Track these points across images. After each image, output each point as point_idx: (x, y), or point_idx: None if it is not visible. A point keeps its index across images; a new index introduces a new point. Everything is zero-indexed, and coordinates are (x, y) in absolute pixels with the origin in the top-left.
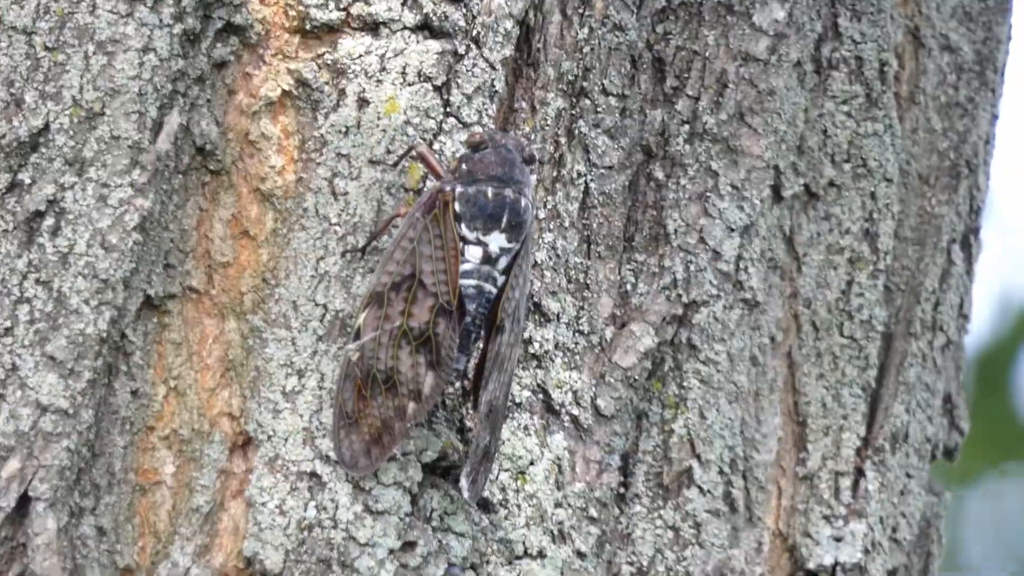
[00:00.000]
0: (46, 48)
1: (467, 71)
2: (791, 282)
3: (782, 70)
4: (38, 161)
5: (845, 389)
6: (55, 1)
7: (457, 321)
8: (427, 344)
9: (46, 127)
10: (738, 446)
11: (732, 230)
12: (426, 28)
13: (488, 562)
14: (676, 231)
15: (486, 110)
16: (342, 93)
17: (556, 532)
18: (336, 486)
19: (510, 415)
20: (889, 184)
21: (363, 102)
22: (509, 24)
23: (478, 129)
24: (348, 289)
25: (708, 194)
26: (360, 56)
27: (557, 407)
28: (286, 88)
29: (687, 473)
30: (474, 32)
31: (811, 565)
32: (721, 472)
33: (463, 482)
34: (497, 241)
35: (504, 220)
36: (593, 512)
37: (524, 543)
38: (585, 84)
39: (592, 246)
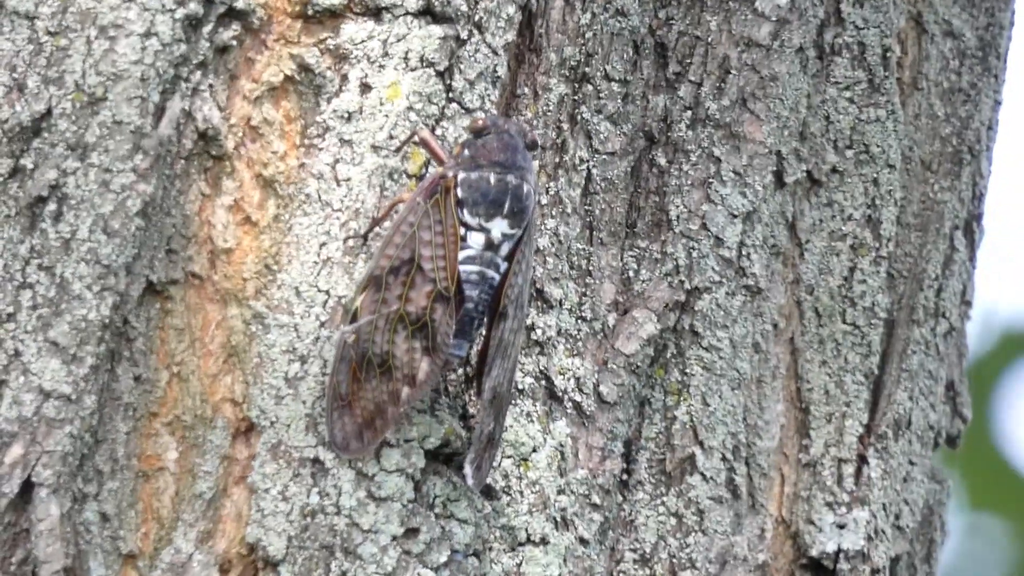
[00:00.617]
0: (48, 33)
1: (469, 56)
2: (793, 268)
3: (784, 56)
4: (40, 146)
5: (848, 376)
6: None
7: (455, 308)
8: (423, 329)
9: (48, 112)
10: (741, 433)
11: (734, 216)
12: (428, 13)
13: (491, 549)
14: (678, 217)
15: (488, 96)
16: (344, 78)
17: (559, 519)
18: (339, 472)
19: (513, 402)
20: (891, 170)
21: (365, 87)
22: (511, 9)
23: (480, 115)
24: (350, 275)
25: (710, 180)
26: (362, 41)
27: (560, 394)
28: (288, 73)
29: (690, 460)
30: (476, 17)
31: (814, 552)
32: (724, 459)
33: (467, 469)
34: (500, 227)
35: (507, 206)
36: (596, 499)
37: (527, 530)
38: (587, 70)
39: (594, 232)
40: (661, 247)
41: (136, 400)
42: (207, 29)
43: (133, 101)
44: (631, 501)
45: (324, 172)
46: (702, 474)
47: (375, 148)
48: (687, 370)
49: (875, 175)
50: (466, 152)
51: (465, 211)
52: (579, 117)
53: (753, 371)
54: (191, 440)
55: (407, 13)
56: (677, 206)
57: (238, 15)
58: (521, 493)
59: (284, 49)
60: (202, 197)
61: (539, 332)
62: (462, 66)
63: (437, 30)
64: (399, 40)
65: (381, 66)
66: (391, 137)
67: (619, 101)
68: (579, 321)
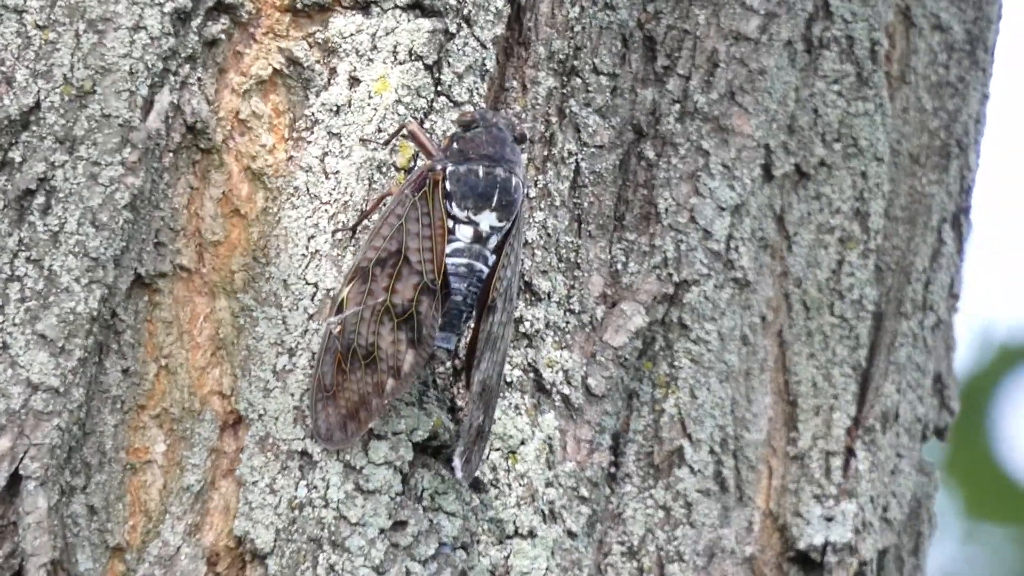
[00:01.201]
0: (37, 26)
1: (458, 50)
2: (781, 261)
3: (773, 49)
4: (29, 139)
5: (836, 369)
6: None
7: (441, 300)
8: (409, 321)
9: (37, 105)
10: (729, 426)
11: (723, 209)
12: (417, 7)
13: (479, 541)
14: (667, 210)
15: (477, 89)
16: (333, 72)
17: (547, 512)
18: (327, 465)
19: (501, 394)
20: (880, 163)
21: (354, 81)
22: (500, 3)
23: (469, 108)
24: (339, 268)
25: (699, 173)
26: (351, 35)
27: (548, 386)
28: (277, 67)
29: (678, 452)
30: (465, 11)
31: (801, 545)
32: (712, 452)
33: (456, 462)
34: (488, 220)
35: (495, 199)
36: (584, 492)
37: (515, 522)
38: (576, 63)
39: (583, 225)
40: (649, 240)
41: (124, 393)
42: (196, 23)
43: (122, 94)
44: (619, 494)
45: (313, 165)
46: (690, 467)
47: (364, 141)
48: (675, 363)
49: (863, 168)
50: (455, 145)
51: (453, 204)
52: (568, 110)
53: (741, 364)
54: (179, 433)
55: (396, 7)
56: (665, 199)
57: (227, 9)
58: (509, 486)
59: (273, 43)
60: (191, 190)
61: (527, 325)
62: (451, 59)
63: (426, 23)
64: (388, 34)
65: (370, 59)
66: (380, 130)
67: (607, 94)
68: (567, 314)
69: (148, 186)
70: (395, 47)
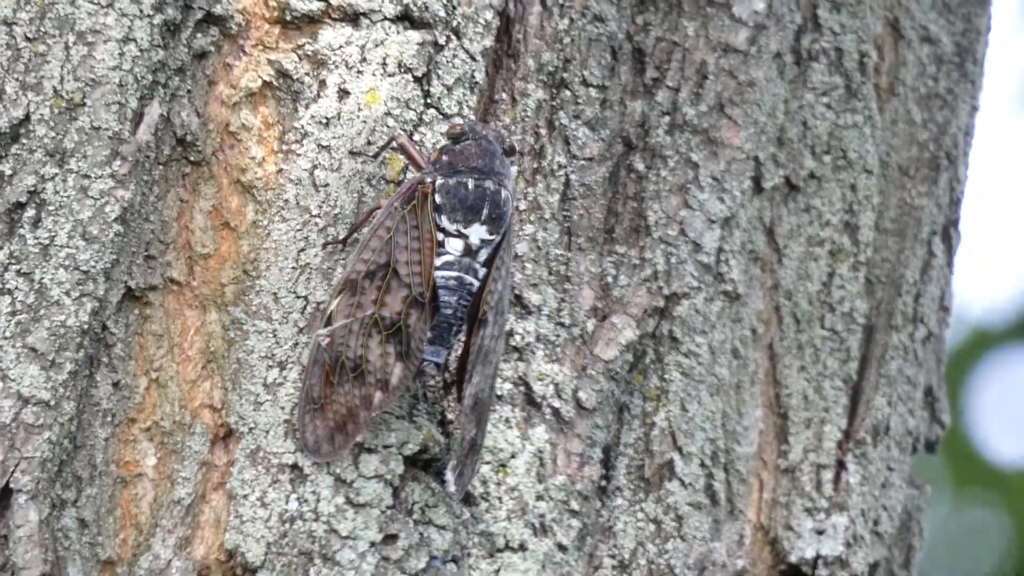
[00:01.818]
0: (27, 39)
1: (447, 62)
2: (772, 274)
3: (762, 61)
4: (19, 152)
5: (826, 381)
6: None
7: (430, 313)
8: (398, 335)
9: (27, 118)
10: (719, 439)
11: (713, 222)
12: (406, 19)
13: (469, 555)
14: (657, 223)
15: (466, 101)
16: (322, 84)
17: (537, 525)
18: (318, 478)
19: (492, 407)
20: (869, 176)
21: (343, 93)
22: (489, 15)
23: (458, 120)
24: (329, 281)
25: (688, 186)
26: (340, 47)
27: (538, 400)
28: (266, 79)
29: (668, 466)
30: (454, 23)
31: (793, 558)
32: (702, 465)
33: (449, 475)
34: (478, 233)
35: (484, 212)
36: (574, 505)
37: (505, 536)
38: (565, 75)
39: (573, 238)
40: (639, 253)
41: (115, 406)
42: (185, 35)
43: (111, 107)
44: (610, 507)
45: (302, 178)
46: (681, 480)
47: (353, 154)
48: (666, 376)
49: (853, 181)
50: (444, 158)
51: (443, 217)
52: (557, 123)
53: (732, 377)
54: (170, 446)
55: (385, 19)
56: (655, 212)
57: (216, 21)
58: (500, 499)
59: (262, 55)
60: (181, 203)
61: (518, 338)
62: (440, 72)
63: (415, 36)
64: (377, 46)
65: (359, 72)
66: (369, 143)
67: (597, 107)
68: (558, 327)
69: (138, 199)
70: (384, 59)
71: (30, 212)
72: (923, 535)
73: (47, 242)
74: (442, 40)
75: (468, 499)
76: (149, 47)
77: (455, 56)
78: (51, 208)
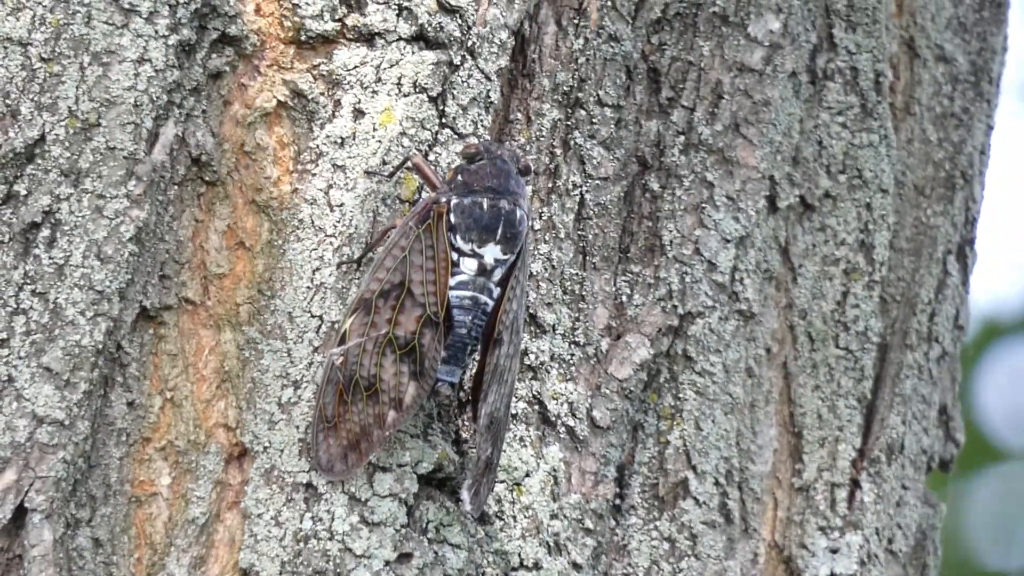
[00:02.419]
0: (42, 59)
1: (462, 82)
2: (786, 293)
3: (777, 81)
4: (34, 172)
5: (841, 400)
6: (51, 12)
7: (443, 333)
8: (412, 354)
9: (42, 138)
10: (734, 457)
11: (727, 241)
12: (421, 39)
13: (484, 574)
14: (671, 242)
15: (481, 121)
16: (337, 104)
17: (552, 544)
18: (332, 497)
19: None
20: (884, 195)
21: (359, 113)
22: (504, 35)
23: (473, 140)
24: (344, 300)
25: (703, 205)
26: (355, 67)
27: (553, 418)
28: (281, 99)
29: (683, 484)
30: (469, 43)
31: None
32: (717, 483)
33: (465, 495)
34: (492, 253)
35: (499, 231)
36: (589, 523)
37: (520, 555)
38: (580, 95)
39: (587, 257)
40: (654, 272)
41: (129, 425)
42: (200, 55)
43: (126, 127)
44: (624, 526)
45: (317, 197)
46: (695, 498)
47: (368, 173)
48: (680, 395)
49: (868, 200)
50: (459, 178)
51: (458, 236)
52: (572, 142)
53: (746, 396)
54: (184, 465)
55: (400, 39)
56: (670, 231)
57: (231, 41)
58: (514, 518)
59: (277, 75)
60: (196, 222)
61: (532, 357)
62: (455, 91)
63: (430, 56)
64: (392, 66)
65: (374, 92)
66: (384, 162)
67: (612, 126)
68: (572, 346)
69: (153, 219)
70: (399, 79)
71: (45, 232)
72: (938, 553)
73: (62, 262)
74: (457, 60)
75: (483, 518)
76: (164, 67)
77: (470, 76)
78: (66, 228)
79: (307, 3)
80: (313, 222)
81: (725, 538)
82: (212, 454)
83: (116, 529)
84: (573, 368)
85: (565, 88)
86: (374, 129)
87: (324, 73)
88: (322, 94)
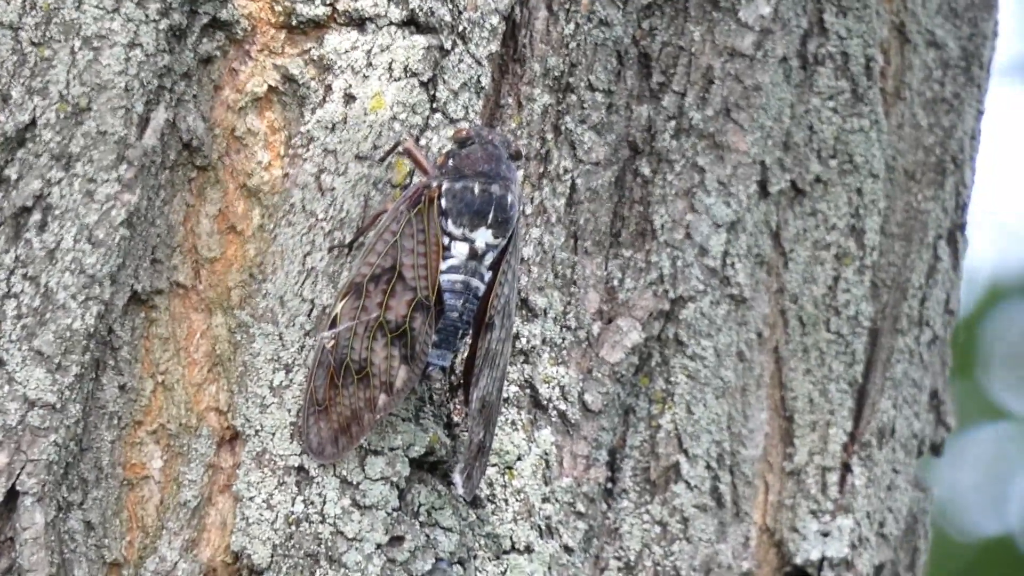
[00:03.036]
0: (32, 43)
1: (453, 67)
2: (778, 278)
3: (768, 66)
4: (25, 156)
5: (832, 384)
6: None
7: (434, 317)
8: (402, 337)
9: (33, 122)
10: (725, 441)
11: (719, 226)
12: (412, 23)
13: (476, 557)
14: (663, 227)
15: (472, 106)
16: (328, 89)
17: (543, 527)
18: (324, 480)
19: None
20: (875, 180)
21: (349, 98)
22: (495, 20)
23: (464, 125)
24: (335, 284)
25: (694, 190)
26: (346, 51)
27: (544, 402)
28: (272, 84)
29: (674, 468)
30: (460, 28)
31: (798, 560)
32: (708, 467)
33: (457, 478)
34: (484, 237)
35: (491, 216)
36: (580, 507)
37: (511, 538)
38: (571, 80)
39: (579, 242)
40: (645, 256)
41: (121, 409)
42: (191, 40)
43: (117, 111)
44: (616, 509)
45: (308, 182)
46: (686, 482)
47: (359, 158)
48: (671, 379)
49: (859, 185)
50: (450, 162)
51: (449, 221)
52: (563, 127)
53: (737, 380)
54: (176, 449)
55: (391, 24)
56: (661, 216)
57: (222, 26)
58: (506, 501)
59: (268, 60)
60: (187, 207)
61: (524, 341)
62: (446, 76)
63: (421, 40)
64: (383, 50)
65: (365, 76)
66: (375, 147)
67: (603, 111)
68: (564, 330)
69: (144, 203)
70: (390, 64)
71: (36, 216)
72: (928, 537)
73: (53, 246)
74: (448, 45)
75: (474, 501)
76: (155, 52)
77: (461, 61)
78: (57, 212)
79: None
80: (304, 206)
81: (716, 522)
82: (204, 437)
83: (108, 512)
84: (565, 352)
85: (556, 73)
86: (365, 114)
87: (315, 58)
88: (313, 79)
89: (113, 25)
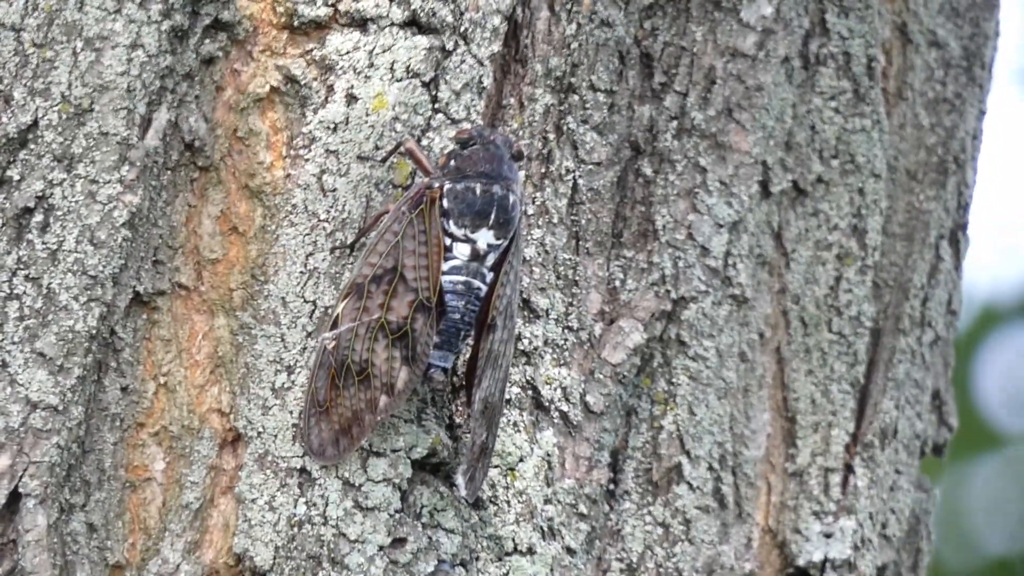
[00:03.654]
0: (35, 45)
1: (455, 67)
2: (779, 278)
3: (770, 66)
4: (27, 157)
5: (834, 385)
6: None
7: (436, 318)
8: (404, 339)
9: (35, 123)
10: (727, 442)
11: (720, 226)
12: (414, 24)
13: (478, 558)
14: (664, 227)
15: (474, 106)
16: (330, 89)
17: (546, 528)
18: (326, 482)
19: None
20: (877, 180)
21: (351, 98)
22: (497, 20)
23: (466, 125)
24: (337, 285)
25: (696, 190)
26: (348, 52)
27: (546, 403)
28: (274, 84)
29: (676, 469)
30: (462, 28)
31: (801, 561)
32: (710, 468)
33: (460, 480)
34: (485, 238)
35: (492, 216)
36: (583, 508)
37: (514, 539)
38: (573, 80)
39: (581, 242)
40: (647, 257)
41: (123, 411)
42: (193, 40)
43: (119, 112)
44: (618, 511)
45: (310, 183)
46: (689, 483)
47: (361, 159)
48: (673, 379)
49: (860, 185)
50: (452, 163)
51: (451, 221)
52: (565, 127)
53: (739, 380)
54: (178, 450)
55: (393, 24)
56: (663, 216)
57: (224, 26)
58: (508, 503)
59: (270, 60)
60: (189, 208)
61: (526, 342)
62: (448, 77)
63: (423, 41)
64: (385, 51)
65: (367, 77)
66: (377, 148)
67: (605, 111)
68: (566, 331)
69: (146, 204)
70: (392, 64)
71: (38, 217)
72: (931, 538)
73: (55, 247)
74: (450, 45)
75: (477, 503)
76: (157, 53)
77: (463, 61)
78: (59, 213)
79: None
80: (306, 207)
81: (719, 523)
82: (206, 439)
83: (110, 514)
84: (567, 353)
85: (558, 73)
86: (367, 114)
87: (317, 58)
88: (315, 79)
89: (115, 26)
